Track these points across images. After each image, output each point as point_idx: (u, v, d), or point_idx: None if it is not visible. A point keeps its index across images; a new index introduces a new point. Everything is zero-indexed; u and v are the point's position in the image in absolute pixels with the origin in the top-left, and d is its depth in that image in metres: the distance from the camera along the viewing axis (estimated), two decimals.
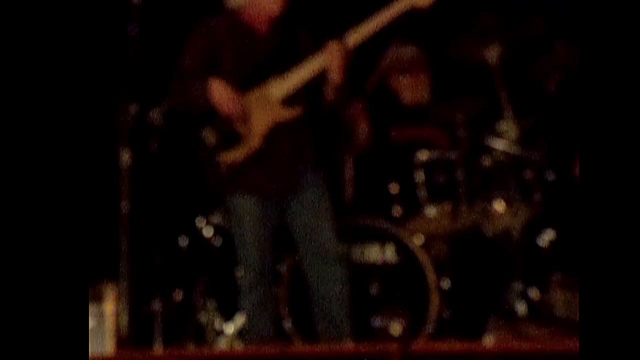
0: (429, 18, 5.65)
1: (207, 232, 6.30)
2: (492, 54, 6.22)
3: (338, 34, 5.56)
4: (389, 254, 5.95)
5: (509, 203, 6.11)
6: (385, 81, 6.53)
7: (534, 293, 6.06)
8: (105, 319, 5.51)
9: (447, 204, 6.06)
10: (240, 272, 5.50)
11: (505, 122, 6.20)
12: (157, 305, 6.06)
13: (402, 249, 5.93)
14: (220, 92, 5.42)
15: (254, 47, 5.49)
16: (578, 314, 6.11)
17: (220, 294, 6.15)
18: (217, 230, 6.24)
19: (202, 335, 6.13)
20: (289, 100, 5.50)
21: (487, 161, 6.10)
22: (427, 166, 6.11)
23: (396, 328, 5.79)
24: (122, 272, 5.78)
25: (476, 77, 6.41)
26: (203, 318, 6.18)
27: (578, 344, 5.42)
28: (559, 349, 4.85)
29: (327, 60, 5.42)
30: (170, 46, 5.68)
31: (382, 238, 5.97)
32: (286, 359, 4.92)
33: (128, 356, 5.36)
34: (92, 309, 5.58)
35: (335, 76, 5.46)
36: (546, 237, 6.23)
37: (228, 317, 6.12)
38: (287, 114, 5.40)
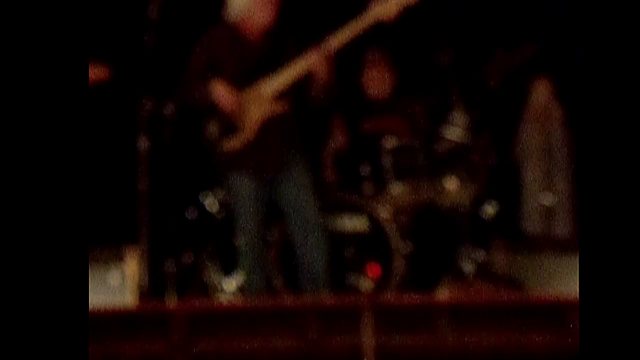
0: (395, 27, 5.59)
1: (212, 205, 6.21)
2: (446, 57, 6.17)
3: (320, 40, 5.51)
4: (362, 223, 5.95)
5: (459, 181, 6.11)
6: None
7: (479, 255, 6.09)
8: (127, 277, 5.67)
9: (409, 182, 6.09)
10: (238, 239, 5.51)
11: (456, 114, 6.16)
12: (170, 266, 6.02)
13: (372, 220, 5.90)
14: (220, 91, 5.45)
15: (249, 53, 5.52)
16: (518, 273, 5.92)
17: (223, 257, 6.08)
18: (220, 204, 6.16)
19: (207, 290, 6.09)
20: (279, 97, 5.48)
21: (441, 147, 6.12)
22: (392, 151, 6.12)
23: (366, 284, 5.78)
24: (141, 238, 5.79)
25: (432, 76, 6.31)
26: (208, 277, 6.12)
27: (515, 296, 5.41)
28: (500, 301, 5.04)
29: (311, 62, 5.45)
30: (180, 52, 5.69)
31: (356, 210, 5.94)
32: (277, 309, 5.01)
33: (147, 307, 5.37)
34: (115, 269, 5.72)
35: (319, 76, 5.48)
36: (489, 208, 6.23)
37: (229, 276, 6.08)
38: (277, 108, 5.45)
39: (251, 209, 5.47)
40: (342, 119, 6.26)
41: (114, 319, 4.88)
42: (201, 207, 6.18)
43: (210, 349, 4.77)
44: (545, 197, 6.62)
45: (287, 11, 5.60)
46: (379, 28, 5.57)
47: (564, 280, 5.78)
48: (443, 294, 5.69)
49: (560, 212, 6.75)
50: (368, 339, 4.61)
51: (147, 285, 5.78)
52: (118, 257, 5.75)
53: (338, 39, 5.44)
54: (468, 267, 6.01)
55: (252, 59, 5.51)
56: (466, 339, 4.71)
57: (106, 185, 6.46)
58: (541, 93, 6.75)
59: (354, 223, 5.99)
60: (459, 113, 6.14)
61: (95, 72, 5.71)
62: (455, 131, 6.11)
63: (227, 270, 6.05)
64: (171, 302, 5.69)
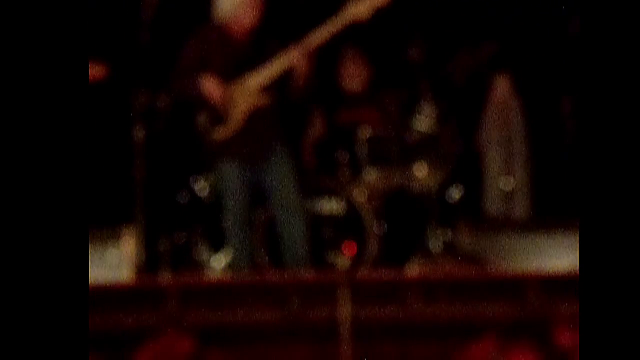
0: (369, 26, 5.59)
1: (202, 189, 6.11)
2: (416, 54, 6.16)
3: (299, 38, 5.50)
4: (338, 206, 5.95)
5: (427, 168, 6.09)
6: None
7: (445, 234, 6.07)
8: (124, 254, 5.68)
9: (382, 169, 6.07)
10: (226, 220, 5.51)
11: (425, 106, 6.14)
12: (164, 245, 6.00)
13: (348, 203, 5.92)
14: (209, 85, 5.44)
15: (236, 51, 5.52)
16: (481, 250, 5.88)
17: (212, 237, 6.01)
18: (210, 188, 6.06)
19: (198, 267, 6.05)
20: (263, 91, 5.48)
21: (411, 136, 6.11)
22: (366, 140, 6.09)
23: (343, 261, 5.77)
24: (137, 219, 5.78)
25: (403, 71, 6.29)
26: (199, 254, 6.08)
27: (478, 272, 5.42)
28: (464, 276, 5.24)
29: (292, 59, 5.44)
30: (172, 48, 5.67)
31: (333, 194, 5.94)
32: (261, 284, 5.11)
33: (142, 282, 5.46)
34: (113, 247, 5.70)
35: (300, 71, 5.46)
36: (455, 192, 6.21)
37: (217, 253, 6.02)
38: (262, 101, 5.46)
39: (238, 193, 5.48)
40: (320, 111, 6.23)
41: (112, 292, 4.91)
42: (192, 191, 6.14)
43: (200, 320, 4.80)
44: (505, 181, 6.62)
45: (269, 11, 5.59)
46: (355, 27, 5.54)
47: (522, 257, 5.75)
48: (413, 270, 5.72)
49: (519, 195, 6.68)
50: (344, 311, 4.68)
51: (143, 262, 5.77)
52: (116, 236, 5.75)
53: (317, 38, 5.44)
54: (436, 245, 6.01)
55: (238, 57, 5.51)
56: (433, 310, 4.78)
57: (105, 172, 6.35)
58: (501, 88, 6.69)
59: (331, 206, 5.97)
60: (428, 105, 6.14)
61: (94, 71, 5.60)
62: (424, 122, 6.11)
63: (216, 248, 6.00)
64: (165, 277, 5.67)
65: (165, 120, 6.06)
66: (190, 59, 5.54)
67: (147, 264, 5.82)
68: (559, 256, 5.67)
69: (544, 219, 6.28)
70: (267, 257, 5.80)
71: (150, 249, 5.95)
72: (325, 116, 6.29)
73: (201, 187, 6.11)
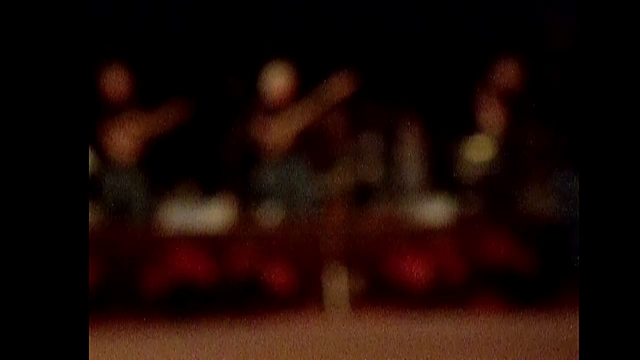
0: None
1: (260, 178, 6.56)
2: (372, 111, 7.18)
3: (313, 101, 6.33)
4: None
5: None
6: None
7: (387, 203, 7.00)
8: (220, 212, 6.23)
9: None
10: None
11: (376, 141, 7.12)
12: (242, 205, 6.64)
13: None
14: (265, 127, 6.36)
15: (278, 107, 6.47)
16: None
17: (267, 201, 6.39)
18: (265, 177, 6.48)
19: (258, 217, 6.39)
20: (293, 133, 6.44)
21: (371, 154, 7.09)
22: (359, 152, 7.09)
23: (336, 212, 6.50)
24: (230, 191, 6.61)
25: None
26: (259, 210, 6.53)
27: (402, 220, 6.31)
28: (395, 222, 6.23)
29: (309, 113, 6.41)
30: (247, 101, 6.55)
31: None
32: (293, 225, 6.09)
33: (228, 231, 6.13)
34: (213, 207, 6.21)
35: (313, 121, 6.48)
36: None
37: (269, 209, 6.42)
38: (292, 137, 6.48)
39: (280, 179, 6.45)
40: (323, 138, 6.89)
41: (215, 236, 6.03)
42: (255, 179, 6.67)
43: (259, 243, 5.85)
44: (416, 173, 7.15)
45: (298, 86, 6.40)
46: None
47: (427, 213, 6.33)
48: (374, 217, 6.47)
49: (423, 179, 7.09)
50: (335, 235, 5.82)
51: (229, 215, 6.32)
52: (214, 200, 6.31)
53: (322, 104, 6.39)
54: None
55: (279, 111, 6.46)
56: (381, 236, 5.93)
57: (210, 169, 7.09)
58: (414, 127, 7.23)
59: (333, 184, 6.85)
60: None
61: (180, 108, 6.23)
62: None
63: (269, 206, 6.50)
64: (242, 228, 6.30)
65: (243, 145, 6.77)
66: (252, 114, 6.52)
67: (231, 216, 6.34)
68: (437, 210, 6.27)
69: (433, 191, 6.90)
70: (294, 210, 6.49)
71: (235, 208, 6.53)
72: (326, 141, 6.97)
73: (260, 176, 6.62)
